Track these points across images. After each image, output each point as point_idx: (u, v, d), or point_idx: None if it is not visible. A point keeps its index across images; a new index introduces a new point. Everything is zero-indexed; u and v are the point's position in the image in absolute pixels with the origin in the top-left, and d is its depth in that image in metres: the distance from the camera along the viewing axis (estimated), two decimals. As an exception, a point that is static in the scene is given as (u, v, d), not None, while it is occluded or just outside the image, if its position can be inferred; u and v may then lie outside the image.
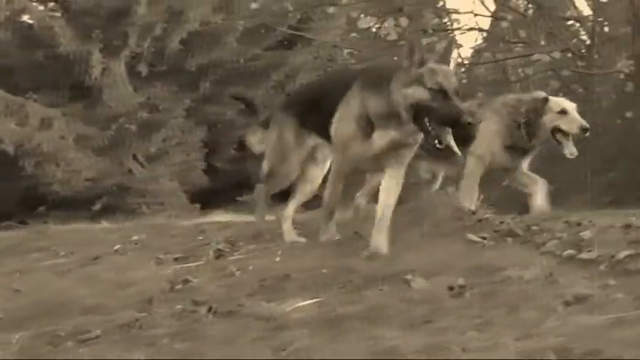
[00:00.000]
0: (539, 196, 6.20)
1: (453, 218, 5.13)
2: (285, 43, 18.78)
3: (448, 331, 3.23)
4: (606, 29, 12.31)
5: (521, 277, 3.77)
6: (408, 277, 3.91)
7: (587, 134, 6.15)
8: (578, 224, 4.85)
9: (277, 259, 4.97)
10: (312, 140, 5.44)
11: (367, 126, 4.92)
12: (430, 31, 11.38)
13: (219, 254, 5.38)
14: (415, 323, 3.38)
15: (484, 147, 6.09)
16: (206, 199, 16.81)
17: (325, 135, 5.24)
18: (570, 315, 3.16)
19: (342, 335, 3.31)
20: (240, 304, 3.82)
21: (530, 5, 11.70)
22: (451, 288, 3.71)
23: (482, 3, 13.18)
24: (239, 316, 3.68)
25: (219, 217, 11.00)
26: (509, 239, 4.63)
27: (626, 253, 3.98)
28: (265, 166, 5.68)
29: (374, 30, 11.77)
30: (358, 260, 4.47)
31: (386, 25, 10.75)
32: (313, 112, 5.35)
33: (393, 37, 10.29)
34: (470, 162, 6.15)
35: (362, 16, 11.68)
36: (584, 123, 6.07)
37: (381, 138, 4.89)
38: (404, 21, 10.59)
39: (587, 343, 2.82)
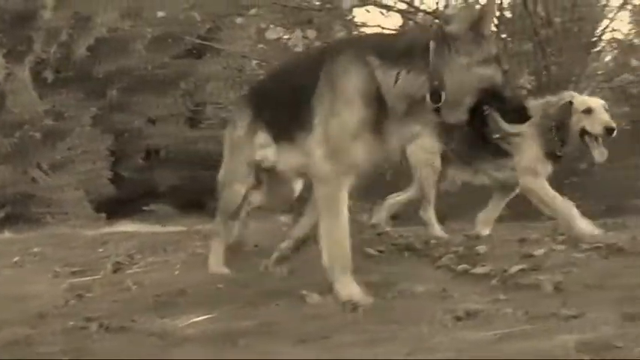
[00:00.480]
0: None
1: (353, 232, 5.14)
2: (194, 52, 18.67)
3: (342, 346, 3.23)
4: (510, 45, 12.56)
5: (415, 291, 3.81)
6: (303, 292, 3.90)
7: (614, 135, 5.46)
8: (476, 238, 4.94)
9: (176, 272, 4.93)
10: (263, 139, 4.40)
11: (379, 114, 3.75)
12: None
13: (118, 267, 5.31)
14: (309, 339, 3.36)
15: (528, 156, 5.49)
16: (112, 209, 16.57)
17: (289, 137, 4.12)
18: (460, 330, 3.19)
19: (236, 351, 3.27)
20: (132, 320, 3.75)
21: (436, 20, 11.85)
22: (346, 303, 3.71)
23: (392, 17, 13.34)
24: (131, 332, 3.60)
25: (125, 226, 10.84)
26: (407, 253, 4.68)
27: (519, 267, 4.07)
28: (219, 174, 4.82)
29: (283, 41, 11.73)
30: (255, 275, 4.45)
31: (294, 36, 10.73)
32: (273, 106, 4.32)
33: (300, 48, 10.30)
34: (527, 180, 5.52)
35: (271, 26, 11.63)
36: (609, 122, 5.43)
37: (398, 134, 3.85)
38: (312, 33, 10.60)
39: (475, 358, 2.85)
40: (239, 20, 12.30)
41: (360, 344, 3.21)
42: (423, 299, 3.70)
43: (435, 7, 11.32)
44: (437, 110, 3.72)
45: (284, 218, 8.80)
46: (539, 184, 5.48)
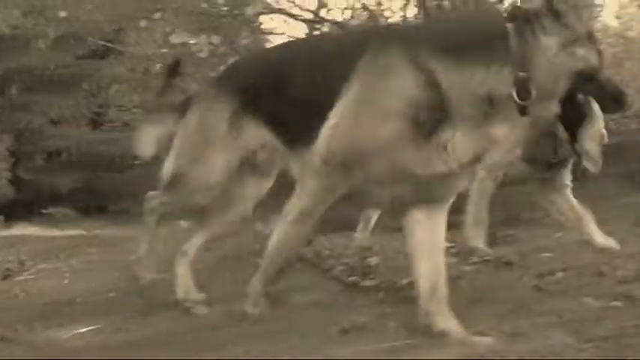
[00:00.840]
0: (592, 231, 5.28)
1: (251, 241, 5.14)
2: (99, 53, 18.36)
3: (227, 358, 3.22)
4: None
5: (304, 303, 3.82)
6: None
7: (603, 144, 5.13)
8: (368, 249, 4.97)
9: (66, 280, 4.84)
10: (255, 136, 3.65)
11: (429, 120, 3.03)
12: (247, 51, 11.43)
13: (7, 274, 5.21)
14: (198, 351, 3.35)
15: (497, 155, 4.70)
16: (11, 211, 16.14)
17: (295, 135, 3.40)
18: (344, 343, 3.21)
19: (120, 363, 3.24)
20: (16, 330, 3.67)
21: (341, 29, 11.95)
22: (235, 314, 3.70)
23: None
24: (14, 343, 3.52)
25: (23, 230, 10.62)
26: (299, 264, 4.68)
27: (408, 280, 4.10)
28: (168, 168, 3.91)
29: (188, 46, 11.67)
30: (147, 284, 4.39)
31: (199, 41, 10.67)
32: (276, 94, 3.50)
33: (204, 54, 10.25)
34: (482, 174, 5.20)
35: (176, 30, 11.55)
36: (601, 132, 5.01)
37: (469, 141, 3.08)
38: (217, 39, 10.56)
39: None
40: (143, 23, 12.15)
41: (245, 356, 3.21)
42: (311, 311, 3.72)
43: (341, 18, 11.43)
44: (523, 108, 3.03)
45: (184, 223, 8.71)
46: (487, 186, 5.34)
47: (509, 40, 3.01)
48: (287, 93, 3.46)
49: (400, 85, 3.05)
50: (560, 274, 4.43)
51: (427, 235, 3.32)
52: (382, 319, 3.53)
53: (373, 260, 4.60)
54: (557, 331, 3.19)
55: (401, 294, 3.97)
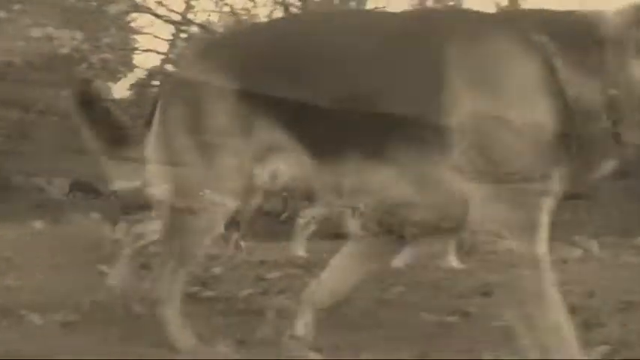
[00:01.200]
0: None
1: (92, 248, 5.01)
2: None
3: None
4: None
5: (140, 312, 3.73)
6: (24, 312, 3.73)
7: None
8: (216, 258, 4.93)
9: None
10: (266, 138, 2.77)
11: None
12: (110, 48, 11.21)
13: None
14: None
15: None
16: None
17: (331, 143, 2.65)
18: (175, 354, 3.14)
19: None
20: None
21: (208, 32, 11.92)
22: (65, 324, 3.59)
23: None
24: None
25: None
26: (145, 271, 4.59)
27: (248, 291, 4.09)
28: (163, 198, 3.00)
29: (51, 40, 11.38)
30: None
31: (61, 36, 10.40)
32: (302, 84, 2.67)
33: (66, 50, 10.01)
34: None
35: (38, 24, 11.23)
36: None
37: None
38: (80, 34, 10.33)
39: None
40: (2, 14, 11.78)
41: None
42: (145, 321, 3.62)
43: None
44: (615, 134, 2.52)
45: (39, 225, 8.45)
46: None
47: (605, 48, 2.51)
48: (321, 85, 2.68)
49: (530, 65, 2.50)
50: (401, 288, 4.49)
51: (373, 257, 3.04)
52: (217, 332, 3.48)
53: (217, 270, 4.56)
54: (392, 345, 3.22)
55: (240, 306, 3.94)
